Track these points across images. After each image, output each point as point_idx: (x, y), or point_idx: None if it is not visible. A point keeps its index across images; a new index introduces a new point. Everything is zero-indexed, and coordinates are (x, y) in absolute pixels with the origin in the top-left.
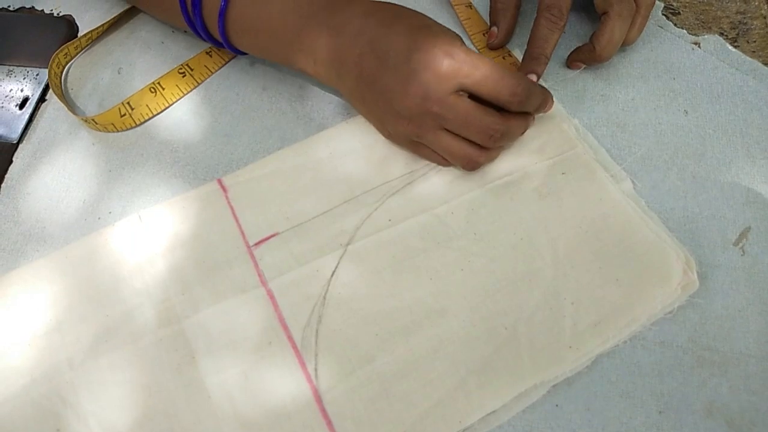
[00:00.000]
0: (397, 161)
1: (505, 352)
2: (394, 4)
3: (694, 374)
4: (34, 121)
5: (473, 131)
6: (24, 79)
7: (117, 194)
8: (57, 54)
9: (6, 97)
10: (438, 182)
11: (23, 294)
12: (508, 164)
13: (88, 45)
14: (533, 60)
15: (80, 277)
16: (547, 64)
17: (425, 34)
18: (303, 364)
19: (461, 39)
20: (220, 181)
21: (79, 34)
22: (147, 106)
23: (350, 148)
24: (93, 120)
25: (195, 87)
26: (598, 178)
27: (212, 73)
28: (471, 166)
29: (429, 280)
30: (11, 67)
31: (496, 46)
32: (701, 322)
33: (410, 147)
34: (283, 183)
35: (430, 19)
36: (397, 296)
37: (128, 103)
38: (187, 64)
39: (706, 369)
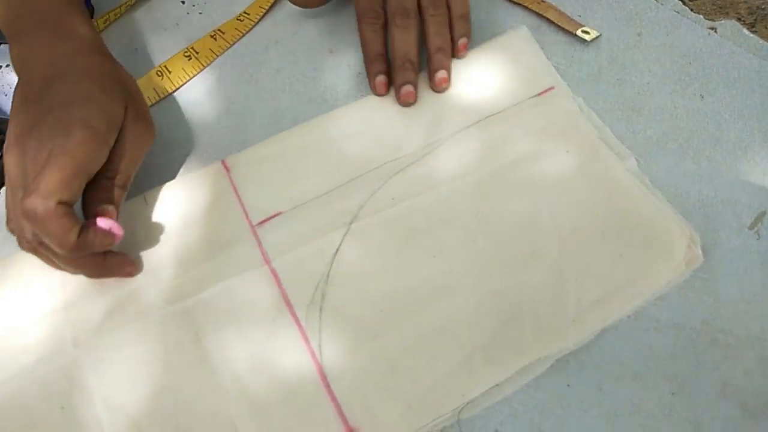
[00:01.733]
0: (403, 141)
1: (509, 328)
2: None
3: (708, 357)
4: None
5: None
6: None
7: None
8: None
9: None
10: (442, 161)
11: (33, 276)
12: (512, 144)
13: (104, 27)
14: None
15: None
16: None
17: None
18: (307, 341)
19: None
20: (223, 162)
21: (95, 16)
22: (154, 89)
23: (356, 129)
24: None
25: (201, 70)
26: (602, 155)
27: (217, 56)
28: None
29: (433, 258)
30: None
31: None
32: (715, 305)
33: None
34: (286, 163)
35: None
36: (401, 274)
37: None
38: (192, 48)
39: (720, 351)
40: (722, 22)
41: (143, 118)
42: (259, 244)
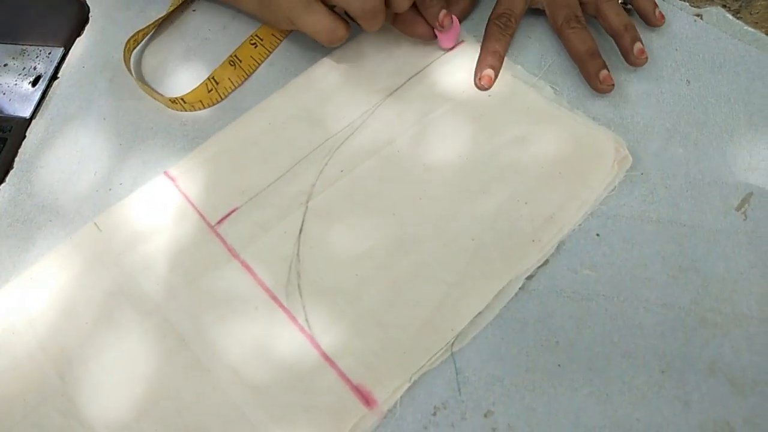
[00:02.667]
0: (335, 117)
1: (477, 260)
2: None
3: (697, 335)
4: (47, 98)
5: None
6: (37, 57)
7: (127, 166)
8: (128, 42)
9: (19, 75)
10: (378, 127)
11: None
12: (438, 97)
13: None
14: (489, 54)
15: (50, 295)
16: (502, 60)
17: None
18: (293, 319)
19: None
20: (166, 173)
21: (90, 15)
22: (229, 79)
23: (287, 114)
24: (182, 99)
25: (267, 56)
26: (521, 91)
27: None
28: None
29: (393, 215)
30: (24, 47)
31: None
32: (704, 284)
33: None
34: (229, 161)
35: None
36: (367, 237)
37: (213, 78)
38: (256, 34)
39: (709, 330)
40: (708, 8)
41: None
42: (223, 241)
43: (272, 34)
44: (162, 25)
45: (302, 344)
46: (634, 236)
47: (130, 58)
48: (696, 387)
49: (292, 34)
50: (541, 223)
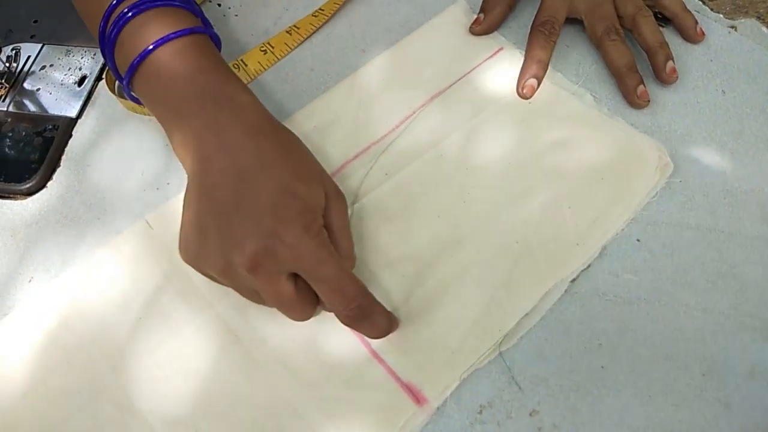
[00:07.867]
0: (379, 121)
1: (522, 262)
2: (280, 127)
3: (736, 339)
4: (93, 97)
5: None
6: (82, 58)
7: (174, 166)
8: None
9: (65, 75)
10: (421, 132)
11: (53, 319)
12: (479, 103)
13: None
14: (534, 63)
15: (102, 290)
16: (546, 68)
17: (295, 189)
18: None
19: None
20: None
21: None
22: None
23: (331, 119)
24: None
25: (275, 63)
26: (561, 98)
27: (292, 49)
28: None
29: (437, 217)
30: (70, 47)
31: (476, 33)
32: (742, 290)
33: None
34: None
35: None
36: (412, 239)
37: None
38: (268, 43)
39: (748, 334)
40: (742, 20)
41: (334, 188)
42: None
43: (310, 23)
44: None
45: (352, 342)
46: (674, 242)
47: (114, 88)
48: (737, 390)
49: (329, 34)
50: (585, 227)
